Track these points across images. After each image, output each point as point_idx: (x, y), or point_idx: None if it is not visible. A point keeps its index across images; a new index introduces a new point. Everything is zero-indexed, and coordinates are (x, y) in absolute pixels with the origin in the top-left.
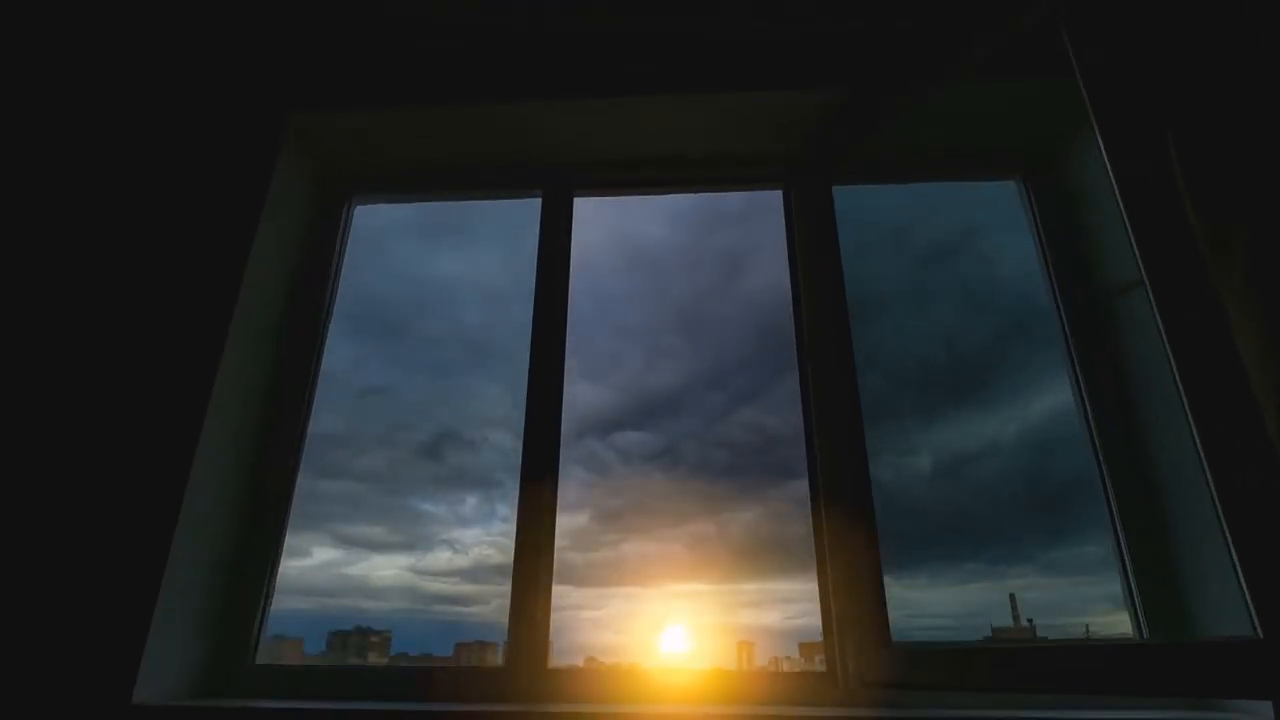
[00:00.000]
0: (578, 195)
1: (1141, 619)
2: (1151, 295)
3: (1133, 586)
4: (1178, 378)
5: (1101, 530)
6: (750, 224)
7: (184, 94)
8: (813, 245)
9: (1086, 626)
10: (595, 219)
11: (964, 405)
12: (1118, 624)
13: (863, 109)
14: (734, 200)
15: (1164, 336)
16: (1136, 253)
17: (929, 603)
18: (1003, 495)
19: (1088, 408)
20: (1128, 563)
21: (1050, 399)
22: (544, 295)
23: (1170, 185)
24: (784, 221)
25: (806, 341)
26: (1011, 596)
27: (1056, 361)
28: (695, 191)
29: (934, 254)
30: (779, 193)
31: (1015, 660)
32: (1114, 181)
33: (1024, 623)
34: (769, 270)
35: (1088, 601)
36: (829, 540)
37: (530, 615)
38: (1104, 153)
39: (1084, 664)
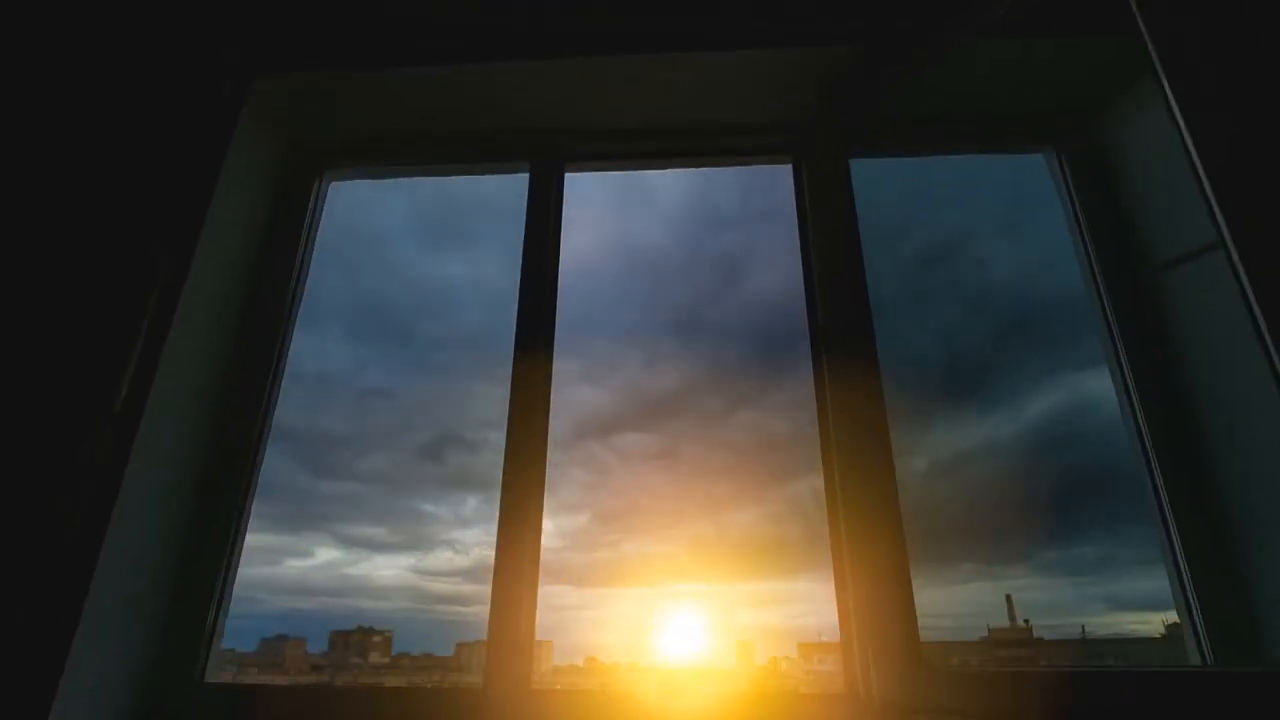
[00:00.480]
0: (569, 170)
1: (1204, 639)
2: (1237, 257)
3: (1192, 601)
4: (1272, 348)
5: (1096, 532)
6: (749, 228)
7: (131, 50)
8: (828, 222)
9: (1083, 627)
10: (594, 222)
11: (961, 406)
12: (1113, 624)
13: (881, 64)
14: (732, 203)
15: (1253, 302)
16: (1217, 210)
17: (926, 603)
18: (999, 495)
19: (1133, 393)
20: (1184, 572)
21: (1047, 400)
22: (531, 279)
23: (1252, 138)
24: (794, 197)
25: (821, 327)
26: (1008, 597)
27: (1053, 363)
28: (698, 165)
29: (932, 255)
30: (778, 186)
31: (1076, 688)
32: (1187, 136)
33: (1020, 623)
34: (767, 272)
35: (1084, 602)
36: (848, 541)
37: (512, 632)
38: (1174, 105)
39: (1155, 693)
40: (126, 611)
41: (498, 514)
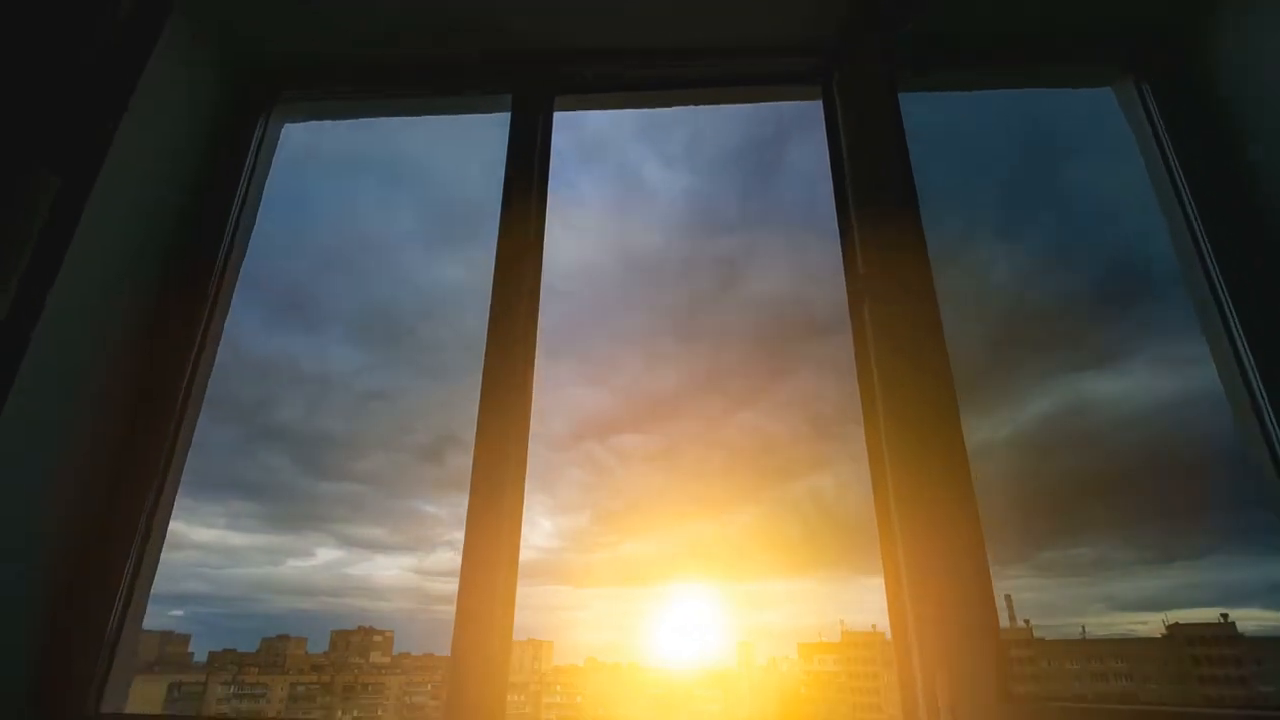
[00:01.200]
0: (559, 107)
1: None
2: None
3: None
4: None
5: (1093, 533)
6: (748, 230)
7: None
8: (871, 156)
9: (1083, 628)
10: (592, 226)
11: (960, 407)
12: (1111, 625)
13: None
14: (732, 206)
15: None
16: None
17: None
18: (998, 496)
19: (1246, 358)
20: None
21: (1043, 402)
22: (511, 240)
23: None
24: (825, 134)
25: (862, 274)
26: (1007, 598)
27: (1051, 365)
28: (709, 101)
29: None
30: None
31: None
32: None
33: (1020, 623)
34: (766, 275)
35: (1082, 602)
36: (903, 535)
37: (481, 664)
38: None
39: None
40: None
41: (465, 520)
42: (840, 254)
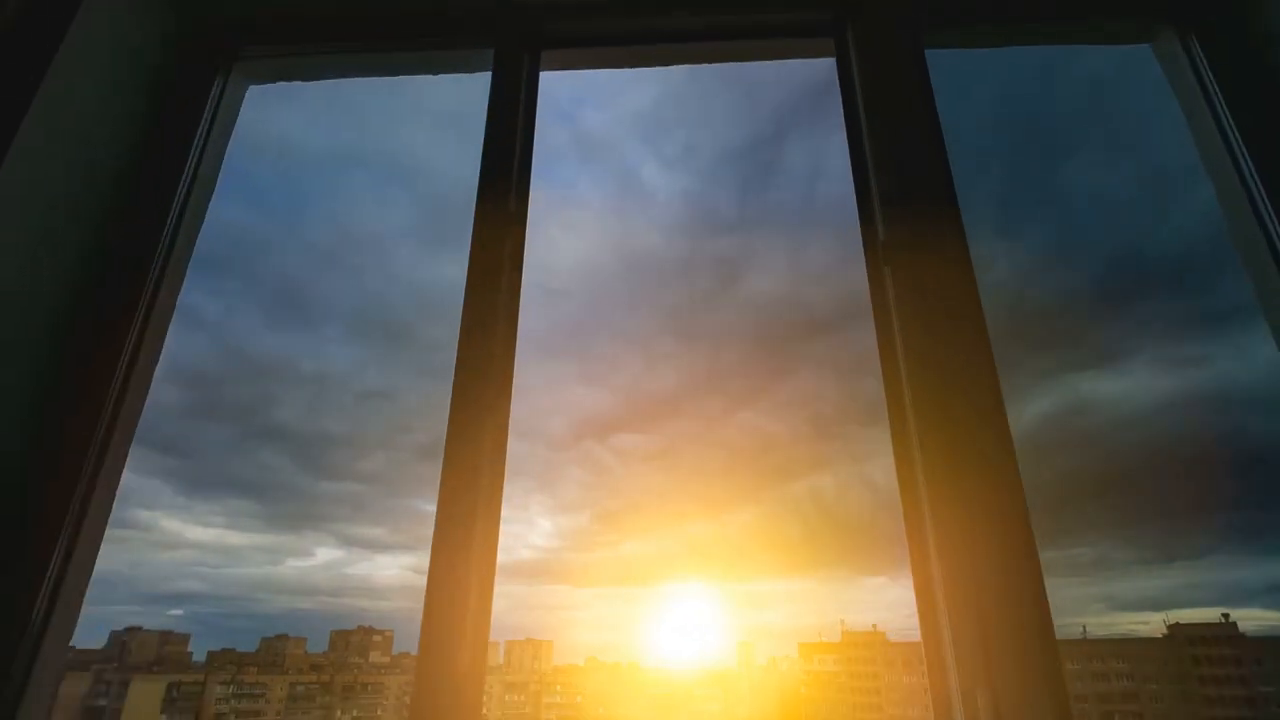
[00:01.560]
0: (546, 65)
1: None
2: None
3: None
4: None
5: (1094, 533)
6: (747, 230)
7: None
8: (890, 119)
9: (1084, 627)
10: (591, 225)
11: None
12: (1111, 625)
13: None
14: (731, 207)
15: None
16: None
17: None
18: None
19: None
20: None
21: (1042, 403)
22: (490, 208)
23: None
24: (840, 96)
25: (883, 241)
26: None
27: (1052, 365)
28: (709, 59)
29: None
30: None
31: None
32: None
33: None
34: (767, 274)
35: (1082, 602)
36: (936, 533)
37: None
38: None
39: None
40: None
41: (434, 528)
42: (853, 238)
